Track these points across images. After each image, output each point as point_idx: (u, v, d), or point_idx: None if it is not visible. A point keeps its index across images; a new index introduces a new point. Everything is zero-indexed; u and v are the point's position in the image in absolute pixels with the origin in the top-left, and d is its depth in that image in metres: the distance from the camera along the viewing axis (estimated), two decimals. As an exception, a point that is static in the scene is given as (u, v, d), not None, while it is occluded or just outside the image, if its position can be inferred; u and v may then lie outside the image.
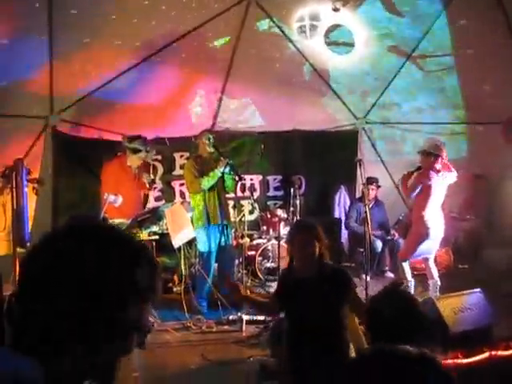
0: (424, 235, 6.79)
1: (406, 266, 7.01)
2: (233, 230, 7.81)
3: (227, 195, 7.14)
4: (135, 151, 6.70)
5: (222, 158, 6.76)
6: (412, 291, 6.62)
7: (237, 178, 6.86)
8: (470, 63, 8.10)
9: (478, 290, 5.69)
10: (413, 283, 6.98)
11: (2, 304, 4.65)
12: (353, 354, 3.68)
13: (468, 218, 8.88)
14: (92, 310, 1.19)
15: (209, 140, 6.90)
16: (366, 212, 6.41)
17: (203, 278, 6.76)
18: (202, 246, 6.86)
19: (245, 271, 7.67)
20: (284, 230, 8.10)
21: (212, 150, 6.89)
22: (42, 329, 1.18)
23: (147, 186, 6.94)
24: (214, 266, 7.03)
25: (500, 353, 5.06)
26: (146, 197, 7.98)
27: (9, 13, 6.08)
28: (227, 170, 6.79)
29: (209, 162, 6.90)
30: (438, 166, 6.81)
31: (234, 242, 8.01)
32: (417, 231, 6.91)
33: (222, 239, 6.89)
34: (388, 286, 2.97)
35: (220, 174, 6.74)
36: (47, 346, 1.18)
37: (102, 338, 1.23)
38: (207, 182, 6.71)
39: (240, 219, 8.13)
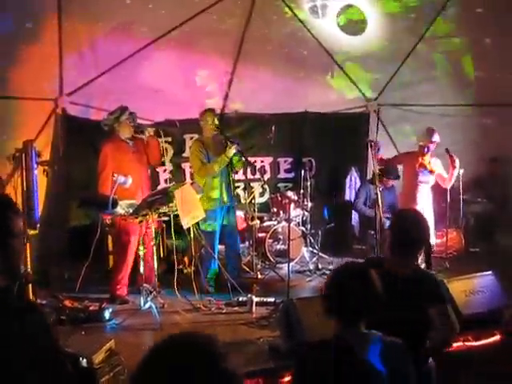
0: None
1: None
2: (243, 212, 7.81)
3: (237, 177, 7.11)
4: (118, 119, 6.49)
5: (229, 143, 6.69)
6: None
7: (244, 160, 6.84)
8: (483, 44, 7.99)
9: (490, 272, 5.65)
10: None
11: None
12: None
13: (479, 201, 8.80)
14: None
15: (212, 121, 6.81)
16: (376, 194, 6.38)
17: (209, 258, 6.77)
18: (204, 226, 6.85)
19: (255, 253, 7.68)
20: (294, 212, 8.10)
21: (216, 130, 6.82)
22: None
23: (151, 133, 6.66)
24: (219, 247, 7.02)
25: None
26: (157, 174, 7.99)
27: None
28: (235, 152, 6.73)
29: (213, 144, 6.84)
30: None
31: (244, 224, 8.01)
32: None
33: (225, 220, 6.89)
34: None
35: (228, 160, 6.70)
36: None
37: None
38: (216, 169, 6.67)
39: (250, 201, 8.11)
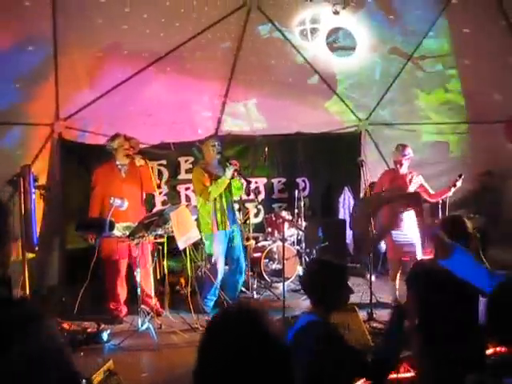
0: None
1: None
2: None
3: (234, 198, 7.18)
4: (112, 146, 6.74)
5: (228, 165, 6.77)
6: None
7: (244, 183, 6.89)
8: (470, 62, 8.15)
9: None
10: None
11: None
12: None
13: (472, 217, 8.86)
14: None
15: (214, 146, 6.92)
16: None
17: (210, 279, 6.83)
18: (209, 249, 6.92)
19: (251, 273, 7.75)
20: (289, 232, 8.19)
21: (218, 156, 6.92)
22: None
23: (141, 163, 6.72)
24: (225, 268, 7.09)
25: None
26: (153, 197, 8.10)
27: (14, 20, 6.17)
28: (233, 174, 6.79)
29: (215, 168, 6.94)
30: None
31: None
32: None
33: (233, 242, 6.96)
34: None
35: (228, 181, 6.78)
36: None
37: None
38: (216, 191, 6.74)
39: (245, 222, 8.21)
